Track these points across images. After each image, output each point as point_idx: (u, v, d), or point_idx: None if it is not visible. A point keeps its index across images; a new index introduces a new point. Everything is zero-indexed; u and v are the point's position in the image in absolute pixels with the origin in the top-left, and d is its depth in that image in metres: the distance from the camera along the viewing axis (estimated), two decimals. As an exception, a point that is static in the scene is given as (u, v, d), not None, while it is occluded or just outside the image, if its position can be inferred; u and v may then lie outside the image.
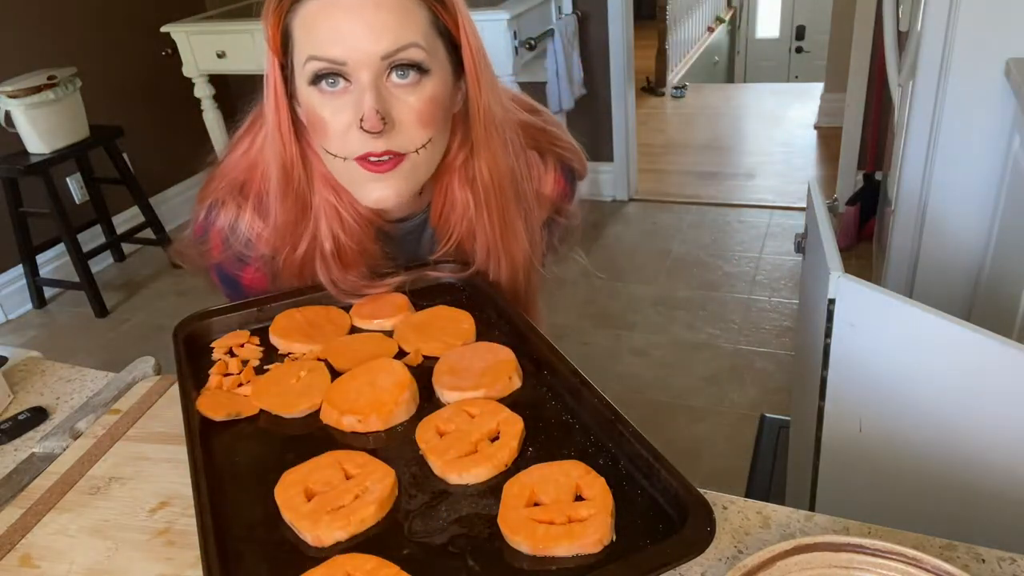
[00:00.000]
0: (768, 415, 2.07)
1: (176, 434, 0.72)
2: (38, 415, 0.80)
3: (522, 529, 0.52)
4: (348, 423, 0.65)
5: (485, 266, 0.86)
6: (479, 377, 0.68)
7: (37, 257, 2.90)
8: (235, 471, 0.62)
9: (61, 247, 2.92)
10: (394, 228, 0.88)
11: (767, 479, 1.86)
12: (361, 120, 0.72)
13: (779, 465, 1.89)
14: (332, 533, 0.54)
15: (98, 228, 3.11)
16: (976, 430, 0.84)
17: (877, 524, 0.57)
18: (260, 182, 0.82)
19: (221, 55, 2.89)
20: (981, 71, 1.45)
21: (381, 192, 0.77)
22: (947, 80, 1.49)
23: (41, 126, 2.66)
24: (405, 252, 0.91)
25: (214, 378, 0.72)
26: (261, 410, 0.68)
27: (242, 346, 0.78)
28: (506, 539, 0.53)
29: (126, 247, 3.31)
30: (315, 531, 0.54)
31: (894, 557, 0.49)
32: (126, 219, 3.24)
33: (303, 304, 0.83)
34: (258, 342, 0.79)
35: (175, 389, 0.78)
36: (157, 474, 0.69)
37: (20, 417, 0.80)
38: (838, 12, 3.64)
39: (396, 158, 0.75)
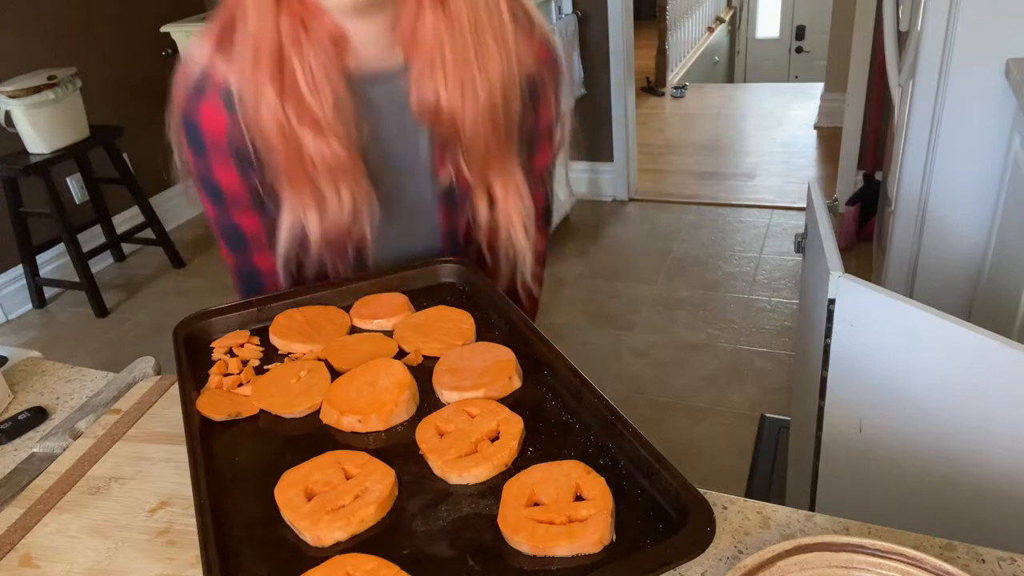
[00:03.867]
0: (768, 415, 2.07)
1: (176, 434, 0.72)
2: (38, 415, 0.80)
3: (522, 529, 0.52)
4: (348, 423, 0.65)
5: (459, 95, 0.82)
6: (479, 377, 0.68)
7: (37, 257, 2.90)
8: (235, 471, 0.62)
9: (61, 247, 2.92)
10: (372, 90, 0.84)
11: (767, 479, 1.86)
12: None
13: (779, 465, 1.89)
14: (332, 533, 0.54)
15: (98, 228, 3.11)
16: (976, 430, 0.84)
17: (877, 524, 0.57)
18: (226, 18, 0.79)
19: (221, 55, 2.88)
20: (981, 71, 1.45)
21: None
22: (947, 80, 1.49)
23: (41, 126, 2.66)
24: (393, 123, 0.87)
25: (214, 378, 0.72)
26: (261, 410, 0.68)
27: (242, 346, 0.78)
28: (506, 539, 0.53)
29: (126, 247, 3.31)
30: (315, 531, 0.54)
31: (894, 557, 0.49)
32: (126, 219, 3.24)
33: (303, 304, 0.83)
34: (258, 342, 0.79)
35: (175, 389, 0.78)
36: (157, 474, 0.69)
37: (20, 417, 0.80)
38: (838, 12, 3.64)
39: None
